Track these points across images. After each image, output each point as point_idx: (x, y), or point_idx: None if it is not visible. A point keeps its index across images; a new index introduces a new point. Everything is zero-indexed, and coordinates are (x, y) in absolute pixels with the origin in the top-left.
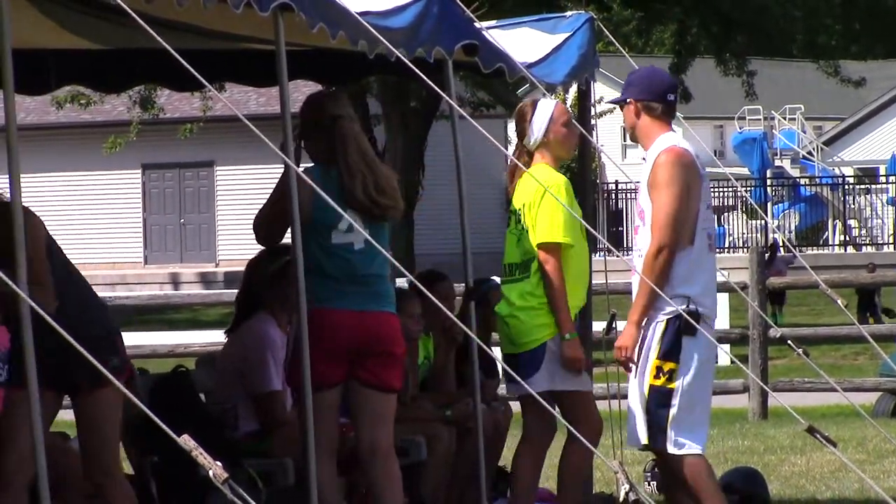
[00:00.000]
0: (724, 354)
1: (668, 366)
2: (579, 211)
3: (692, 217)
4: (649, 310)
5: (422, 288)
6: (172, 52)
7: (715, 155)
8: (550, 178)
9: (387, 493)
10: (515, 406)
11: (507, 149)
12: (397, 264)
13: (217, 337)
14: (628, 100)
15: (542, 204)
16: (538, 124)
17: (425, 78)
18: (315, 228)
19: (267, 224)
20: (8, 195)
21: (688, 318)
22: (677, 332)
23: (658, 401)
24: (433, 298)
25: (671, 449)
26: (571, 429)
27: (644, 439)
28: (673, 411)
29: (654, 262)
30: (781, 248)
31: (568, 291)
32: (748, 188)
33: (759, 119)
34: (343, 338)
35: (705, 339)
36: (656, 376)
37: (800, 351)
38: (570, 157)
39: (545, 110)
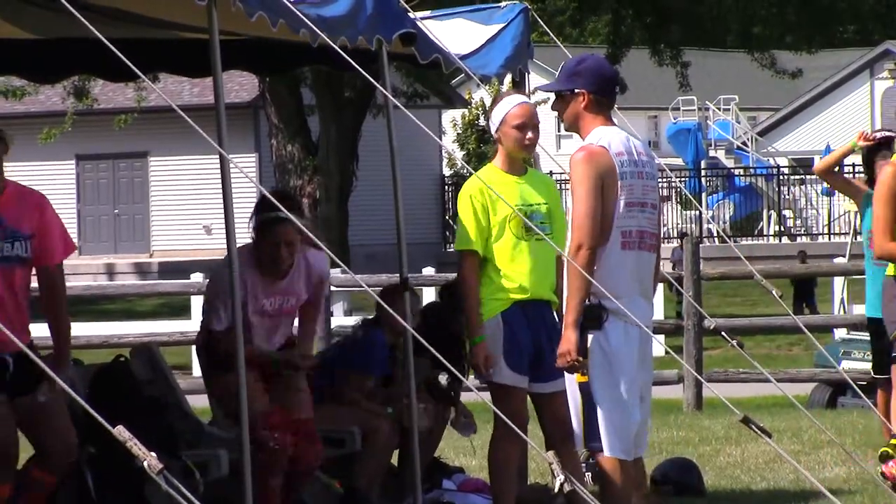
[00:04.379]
0: (659, 345)
1: (583, 361)
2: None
3: (608, 216)
4: (581, 308)
5: (355, 277)
6: (106, 41)
7: (649, 146)
8: (466, 186)
9: None
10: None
11: (441, 139)
12: (332, 255)
13: (151, 328)
14: (576, 90)
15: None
16: (494, 120)
17: (360, 69)
18: None
19: None
20: None
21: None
22: (583, 327)
23: (588, 399)
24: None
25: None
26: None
27: (581, 440)
28: (598, 409)
29: (575, 262)
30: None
31: (534, 284)
32: (682, 179)
33: (694, 109)
34: None
35: (614, 334)
36: (582, 373)
37: (734, 342)
38: (526, 157)
39: (501, 109)
